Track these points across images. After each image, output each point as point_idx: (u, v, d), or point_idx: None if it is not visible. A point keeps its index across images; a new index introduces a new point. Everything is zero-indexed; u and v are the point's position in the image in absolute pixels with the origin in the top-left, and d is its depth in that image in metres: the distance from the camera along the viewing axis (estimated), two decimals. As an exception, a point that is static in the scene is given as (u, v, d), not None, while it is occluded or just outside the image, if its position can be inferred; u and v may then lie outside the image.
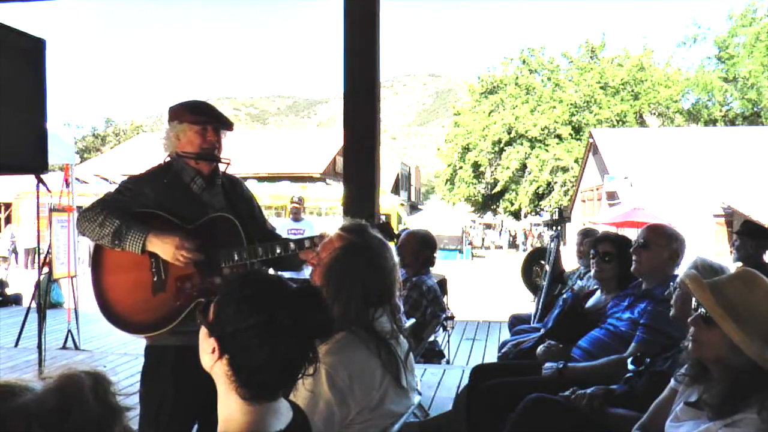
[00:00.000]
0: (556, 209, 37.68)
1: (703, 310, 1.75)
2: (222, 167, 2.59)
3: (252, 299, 1.26)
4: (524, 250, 32.70)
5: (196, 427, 2.57)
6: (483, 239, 41.18)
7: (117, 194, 2.48)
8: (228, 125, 2.57)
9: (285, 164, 29.25)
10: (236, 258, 2.41)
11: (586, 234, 5.29)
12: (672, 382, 2.10)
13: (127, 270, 2.44)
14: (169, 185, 2.49)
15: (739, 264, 4.41)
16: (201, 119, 2.49)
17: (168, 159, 2.55)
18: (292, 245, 2.47)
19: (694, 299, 1.81)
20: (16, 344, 6.55)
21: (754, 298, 1.71)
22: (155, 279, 2.42)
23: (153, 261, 2.40)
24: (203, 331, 1.30)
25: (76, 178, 8.68)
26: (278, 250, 2.43)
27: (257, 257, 2.42)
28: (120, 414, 0.93)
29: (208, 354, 1.28)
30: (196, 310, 2.35)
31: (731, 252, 4.83)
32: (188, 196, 2.50)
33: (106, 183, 19.48)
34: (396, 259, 2.06)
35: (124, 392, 0.99)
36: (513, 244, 40.00)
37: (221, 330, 1.26)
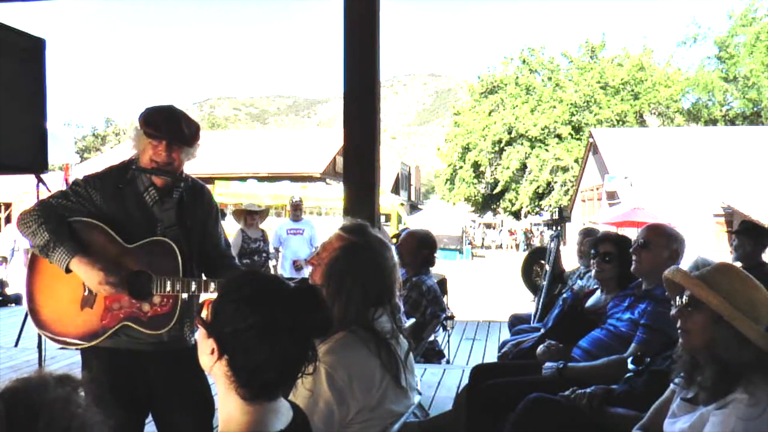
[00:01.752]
0: (557, 209, 37.67)
1: (686, 296, 1.84)
2: (188, 174, 2.52)
3: (250, 299, 1.26)
4: (524, 250, 32.71)
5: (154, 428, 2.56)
6: (483, 239, 41.19)
7: (62, 198, 2.41)
8: (186, 141, 2.40)
9: (285, 164, 29.22)
10: (168, 288, 2.35)
11: (587, 233, 5.29)
12: (672, 384, 2.10)
13: (60, 278, 2.37)
14: (122, 191, 2.40)
15: (739, 264, 4.42)
16: (154, 134, 2.35)
17: (131, 158, 2.46)
18: None
19: (677, 298, 1.88)
20: (16, 344, 6.54)
21: (732, 280, 1.81)
22: (86, 293, 2.37)
23: None
24: (201, 331, 1.30)
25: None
26: (212, 288, 2.37)
27: (190, 291, 2.37)
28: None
29: (207, 355, 1.28)
30: (119, 332, 2.36)
31: (731, 252, 4.84)
32: (138, 207, 2.41)
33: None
34: (396, 259, 2.06)
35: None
36: (513, 245, 40.02)
37: (220, 330, 1.26)
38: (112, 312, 2.36)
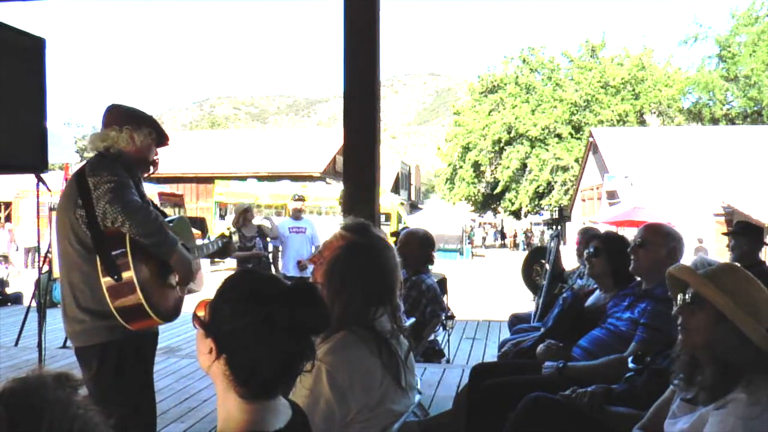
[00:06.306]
0: (557, 208, 37.64)
1: (689, 295, 1.83)
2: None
3: (247, 297, 1.26)
4: (524, 250, 32.71)
5: None
6: (484, 239, 41.17)
7: (131, 194, 2.44)
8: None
9: (285, 163, 29.24)
10: (205, 252, 2.89)
11: (587, 233, 5.29)
12: (671, 384, 2.11)
13: (147, 264, 2.49)
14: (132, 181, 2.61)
15: (737, 264, 4.44)
16: (157, 138, 2.70)
17: (105, 153, 2.55)
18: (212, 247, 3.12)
19: (679, 296, 1.88)
20: (16, 343, 6.56)
21: (737, 281, 1.82)
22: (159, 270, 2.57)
23: None
24: (199, 332, 1.30)
25: (76, 178, 8.67)
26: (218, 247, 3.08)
27: (215, 248, 3.04)
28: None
29: (205, 354, 1.28)
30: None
31: (729, 252, 4.87)
32: (139, 192, 2.59)
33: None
34: (398, 258, 2.06)
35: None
36: (513, 244, 40.01)
37: (218, 330, 1.26)
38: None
